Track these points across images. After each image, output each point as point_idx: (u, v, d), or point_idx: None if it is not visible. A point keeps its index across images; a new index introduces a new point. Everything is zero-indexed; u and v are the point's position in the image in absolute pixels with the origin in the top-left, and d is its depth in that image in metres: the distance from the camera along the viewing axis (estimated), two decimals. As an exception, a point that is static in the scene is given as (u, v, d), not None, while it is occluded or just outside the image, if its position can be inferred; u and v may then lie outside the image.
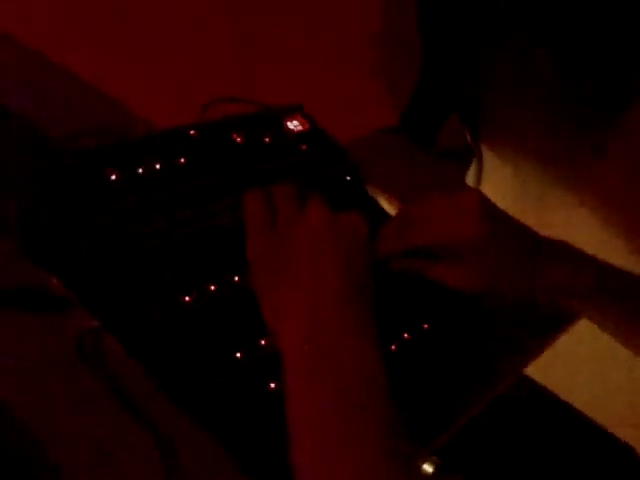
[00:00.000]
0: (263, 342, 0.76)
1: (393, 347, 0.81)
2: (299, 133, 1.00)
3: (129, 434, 0.72)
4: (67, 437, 0.71)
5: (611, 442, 1.19)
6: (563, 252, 0.86)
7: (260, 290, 0.76)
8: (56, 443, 0.71)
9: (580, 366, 1.36)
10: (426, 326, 0.85)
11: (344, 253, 0.75)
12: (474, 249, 0.84)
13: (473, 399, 0.82)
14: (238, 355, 0.74)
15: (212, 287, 0.79)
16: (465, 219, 0.85)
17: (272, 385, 0.73)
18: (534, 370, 1.07)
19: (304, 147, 0.99)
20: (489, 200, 0.87)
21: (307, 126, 1.02)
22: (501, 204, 0.89)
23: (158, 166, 0.85)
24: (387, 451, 0.62)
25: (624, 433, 1.22)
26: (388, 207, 1.03)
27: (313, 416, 0.64)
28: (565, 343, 1.00)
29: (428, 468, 1.04)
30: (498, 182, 1.38)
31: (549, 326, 0.96)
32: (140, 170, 0.83)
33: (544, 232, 0.88)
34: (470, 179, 1.39)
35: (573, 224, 1.28)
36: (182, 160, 0.87)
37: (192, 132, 0.90)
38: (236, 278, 0.80)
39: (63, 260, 0.79)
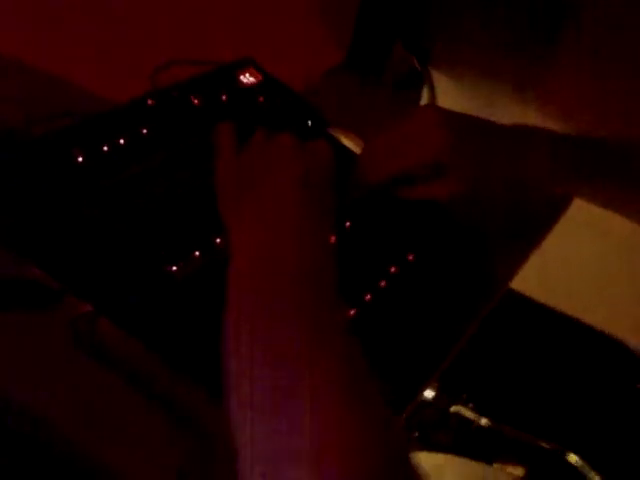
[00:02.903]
0: None
1: (383, 284, 0.82)
2: (253, 86, 1.00)
3: (145, 412, 0.73)
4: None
5: (601, 338, 1.22)
6: (538, 135, 0.88)
7: (225, 211, 0.77)
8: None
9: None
10: (411, 257, 0.86)
11: (308, 174, 0.75)
12: (451, 156, 0.84)
13: (470, 319, 0.84)
14: None
15: (196, 253, 0.79)
16: (430, 133, 0.85)
17: None
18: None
19: (261, 99, 0.99)
20: (444, 109, 0.88)
21: (260, 78, 1.01)
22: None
23: (122, 141, 0.84)
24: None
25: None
26: (351, 146, 1.03)
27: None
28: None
29: (429, 394, 1.06)
30: (451, 102, 1.38)
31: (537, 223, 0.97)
32: (105, 147, 0.82)
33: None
34: (424, 103, 1.40)
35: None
36: (144, 131, 0.86)
37: (150, 101, 0.90)
38: (218, 240, 0.80)
39: (45, 251, 0.79)
